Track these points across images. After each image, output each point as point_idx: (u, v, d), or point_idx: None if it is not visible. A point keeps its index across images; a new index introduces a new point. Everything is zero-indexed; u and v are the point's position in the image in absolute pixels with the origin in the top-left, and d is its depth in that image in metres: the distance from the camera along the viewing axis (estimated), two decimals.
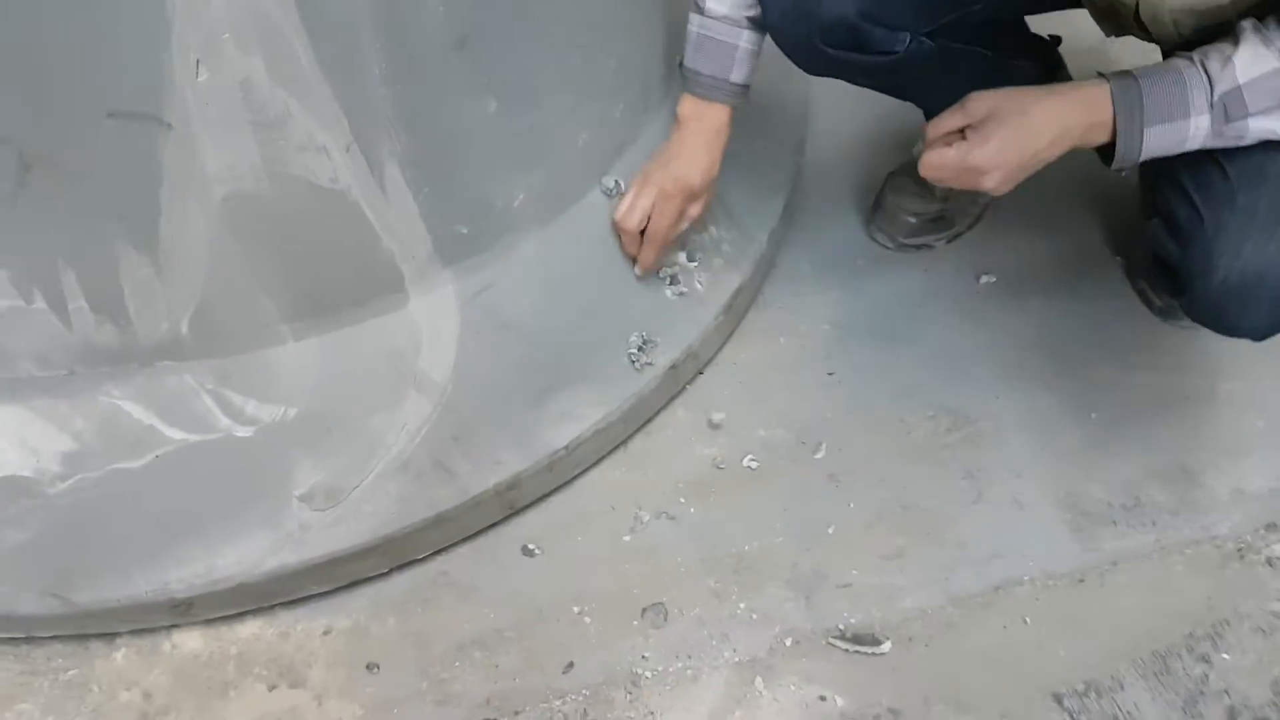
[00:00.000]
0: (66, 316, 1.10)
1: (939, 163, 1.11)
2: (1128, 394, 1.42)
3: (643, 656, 1.23)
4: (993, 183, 1.09)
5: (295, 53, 1.03)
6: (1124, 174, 1.12)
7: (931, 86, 1.36)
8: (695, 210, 1.36)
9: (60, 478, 1.15)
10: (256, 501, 1.19)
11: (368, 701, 1.20)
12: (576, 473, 1.35)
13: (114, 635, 1.23)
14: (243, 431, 1.18)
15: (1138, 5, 1.12)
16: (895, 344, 1.50)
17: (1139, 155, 1.07)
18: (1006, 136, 1.07)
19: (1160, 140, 1.06)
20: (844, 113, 1.76)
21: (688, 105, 1.30)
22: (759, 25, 1.25)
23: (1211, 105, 1.02)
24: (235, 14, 0.99)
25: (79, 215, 1.05)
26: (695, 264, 1.44)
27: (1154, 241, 1.17)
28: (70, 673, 1.22)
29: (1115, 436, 1.38)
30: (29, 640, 1.22)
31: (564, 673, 1.22)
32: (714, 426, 1.42)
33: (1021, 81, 1.38)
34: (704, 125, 1.30)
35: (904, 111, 1.46)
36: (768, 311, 1.55)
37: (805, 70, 1.29)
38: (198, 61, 0.99)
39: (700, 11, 1.25)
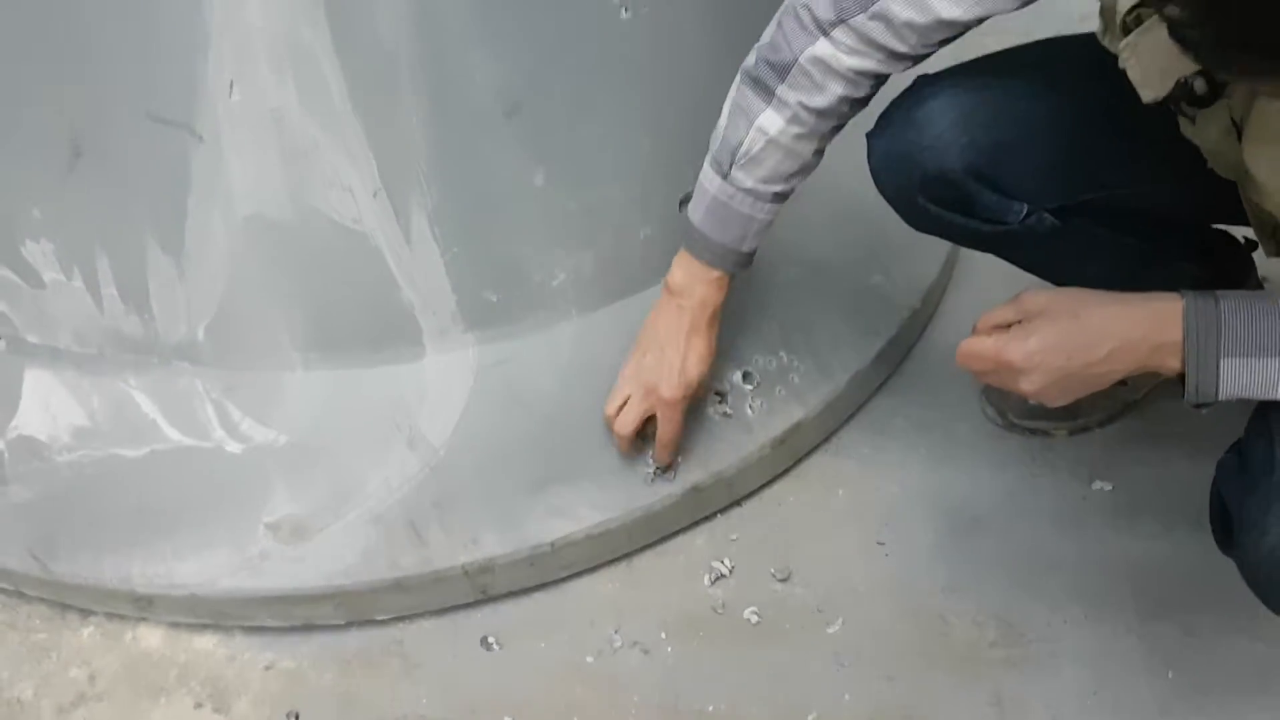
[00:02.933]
0: (100, 300, 1.17)
1: (971, 351, 0.94)
2: (1224, 660, 1.14)
3: None
4: (1031, 386, 0.91)
5: (329, 87, 1.06)
6: (1205, 413, 0.91)
7: (1061, 271, 1.18)
8: (701, 393, 1.24)
9: (68, 449, 1.22)
10: (228, 518, 1.19)
11: None
12: (566, 574, 1.26)
13: (90, 613, 1.27)
14: (233, 446, 1.20)
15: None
16: (967, 531, 1.30)
17: (1216, 392, 0.86)
18: (1050, 337, 0.90)
19: (1243, 378, 0.85)
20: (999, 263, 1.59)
21: (681, 271, 1.16)
22: (783, 199, 1.12)
23: None
24: (271, 40, 1.03)
25: (116, 206, 1.12)
26: (751, 387, 1.33)
27: (1220, 476, 0.94)
28: (39, 635, 1.26)
29: (1189, 706, 1.11)
30: (20, 595, 1.28)
31: None
32: (729, 564, 1.28)
33: (1183, 286, 1.19)
34: (697, 303, 1.17)
35: None
36: (836, 458, 1.40)
37: (909, 225, 1.17)
38: (231, 82, 1.03)
39: (723, 176, 1.09)
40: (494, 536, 1.21)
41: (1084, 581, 1.24)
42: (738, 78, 1.07)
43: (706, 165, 1.11)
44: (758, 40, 1.16)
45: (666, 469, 1.26)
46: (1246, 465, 0.91)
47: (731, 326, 1.32)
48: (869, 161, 1.12)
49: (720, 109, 1.24)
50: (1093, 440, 1.39)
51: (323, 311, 1.18)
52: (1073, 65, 1.08)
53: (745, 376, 1.33)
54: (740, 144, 1.07)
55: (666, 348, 1.18)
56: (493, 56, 1.08)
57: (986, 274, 1.60)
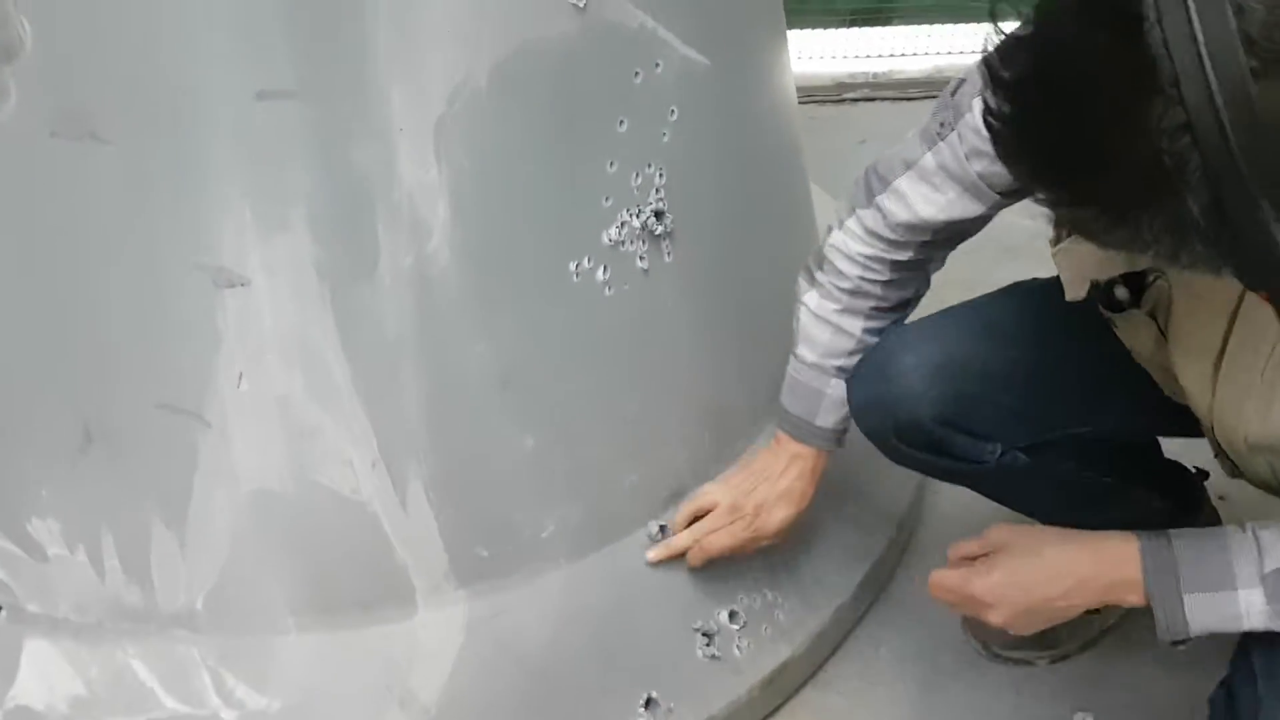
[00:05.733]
0: (102, 572, 1.21)
1: (940, 583, 1.03)
2: None
3: None
4: (998, 618, 0.99)
5: (334, 376, 1.12)
6: (1182, 650, 0.97)
7: (1034, 502, 1.26)
8: (777, 540, 1.30)
9: (64, 718, 1.22)
10: None
11: None
12: None
13: None
14: (228, 714, 1.21)
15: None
16: None
17: (1186, 628, 0.92)
18: (1011, 573, 0.99)
19: (1208, 613, 0.91)
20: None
21: (784, 436, 1.26)
22: (846, 374, 1.20)
23: (1263, 579, 0.88)
24: (281, 336, 1.10)
25: (124, 487, 1.17)
26: (738, 627, 1.36)
27: (1211, 713, 0.98)
28: None
29: None
30: None
31: None
32: None
33: (1144, 515, 1.25)
34: (804, 456, 1.25)
35: None
36: (825, 693, 1.42)
37: (891, 460, 1.24)
38: (241, 374, 1.10)
39: (793, 354, 1.22)
40: None
41: None
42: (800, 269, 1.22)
43: (789, 351, 1.23)
44: (726, 307, 1.29)
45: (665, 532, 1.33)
46: (1235, 707, 0.95)
47: (716, 564, 1.37)
48: (849, 403, 1.21)
49: (697, 366, 1.34)
50: (1074, 667, 1.41)
51: (318, 576, 1.22)
52: (1035, 313, 1.17)
53: (731, 616, 1.36)
54: (798, 323, 1.21)
55: (761, 483, 1.26)
56: (489, 340, 1.16)
57: (957, 498, 1.67)
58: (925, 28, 2.85)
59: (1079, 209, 0.70)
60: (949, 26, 2.84)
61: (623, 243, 1.22)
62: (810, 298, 1.19)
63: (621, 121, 1.18)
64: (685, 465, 1.37)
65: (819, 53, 2.86)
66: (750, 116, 1.40)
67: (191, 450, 1.13)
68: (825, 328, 1.18)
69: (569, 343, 1.23)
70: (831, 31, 2.86)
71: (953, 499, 1.65)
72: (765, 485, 1.26)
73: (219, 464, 1.14)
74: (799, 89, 2.89)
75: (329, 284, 1.09)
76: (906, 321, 1.22)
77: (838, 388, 1.21)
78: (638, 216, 1.22)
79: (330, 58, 1.02)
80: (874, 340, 1.19)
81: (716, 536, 1.28)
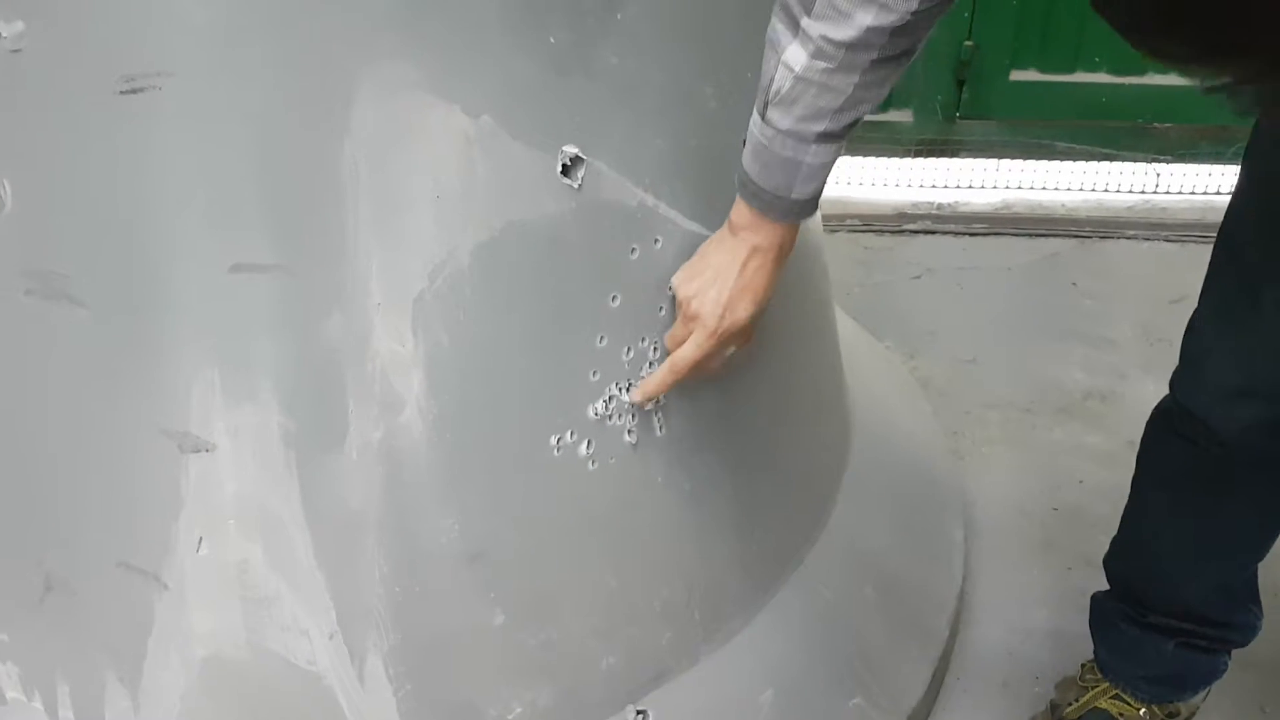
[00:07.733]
0: None
1: None
2: None
3: None
4: None
5: (294, 545, 1.09)
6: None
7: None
8: (743, 340, 1.14)
9: None
10: None
11: None
12: None
13: None
14: None
15: None
16: None
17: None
18: None
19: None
20: (991, 674, 1.54)
21: (744, 215, 1.07)
22: (831, 138, 1.00)
23: None
24: (243, 503, 1.07)
25: (80, 640, 1.15)
26: None
27: None
28: None
29: None
30: None
31: None
32: None
33: None
34: (766, 244, 1.07)
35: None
36: None
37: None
38: (200, 539, 1.08)
39: (761, 117, 1.01)
40: None
41: None
42: (775, 5, 0.97)
43: (755, 105, 1.02)
44: (722, 480, 1.21)
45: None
46: None
47: None
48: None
49: (687, 542, 1.27)
50: None
51: None
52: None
53: None
54: (771, 81, 0.98)
55: (718, 280, 1.09)
56: (458, 513, 1.12)
57: (977, 687, 1.55)
58: (993, 161, 2.78)
59: None
60: (1018, 162, 2.77)
61: (610, 416, 1.17)
62: (794, 54, 0.95)
63: (614, 297, 1.14)
64: (669, 647, 1.30)
65: (881, 180, 2.81)
66: None
67: (148, 610, 1.11)
68: (808, 88, 0.96)
69: (545, 517, 1.18)
70: (896, 160, 2.81)
71: (975, 685, 1.55)
72: (719, 285, 1.09)
73: (174, 626, 1.11)
74: (859, 216, 2.83)
75: (294, 453, 1.06)
76: None
77: (818, 154, 1.01)
78: (627, 391, 1.18)
79: (308, 233, 1.01)
80: (871, 94, 0.97)
81: (682, 352, 1.13)
